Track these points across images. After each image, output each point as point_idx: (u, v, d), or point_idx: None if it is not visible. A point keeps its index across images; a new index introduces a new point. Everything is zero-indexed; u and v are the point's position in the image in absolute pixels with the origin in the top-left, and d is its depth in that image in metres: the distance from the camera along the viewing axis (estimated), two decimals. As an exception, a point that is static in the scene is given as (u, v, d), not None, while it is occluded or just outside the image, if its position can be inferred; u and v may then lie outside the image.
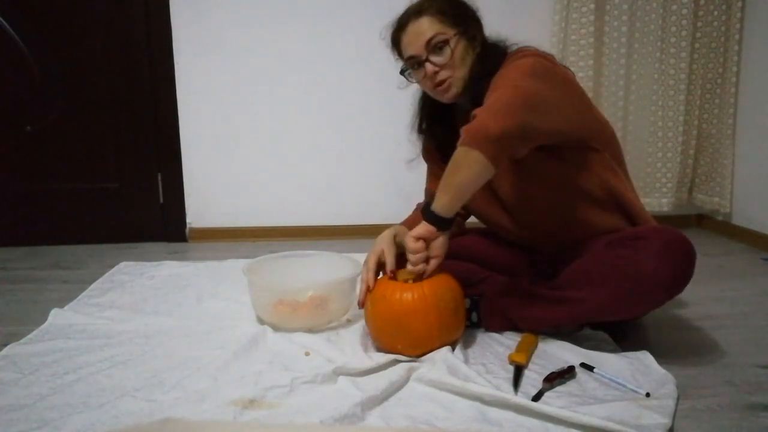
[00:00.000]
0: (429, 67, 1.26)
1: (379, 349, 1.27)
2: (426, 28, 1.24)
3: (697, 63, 2.36)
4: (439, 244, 1.19)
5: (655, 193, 2.44)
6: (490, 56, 1.26)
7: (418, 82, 1.33)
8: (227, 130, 2.39)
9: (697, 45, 2.34)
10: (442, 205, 1.15)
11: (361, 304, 1.29)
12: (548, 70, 1.20)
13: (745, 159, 2.33)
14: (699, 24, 2.33)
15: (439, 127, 1.41)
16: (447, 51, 1.24)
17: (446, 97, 1.29)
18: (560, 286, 1.26)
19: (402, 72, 1.33)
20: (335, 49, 2.35)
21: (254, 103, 2.37)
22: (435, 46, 1.24)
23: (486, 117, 1.07)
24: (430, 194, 1.53)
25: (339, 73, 2.36)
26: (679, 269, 1.16)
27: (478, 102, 1.17)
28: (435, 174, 1.50)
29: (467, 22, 1.27)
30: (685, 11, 2.28)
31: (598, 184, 1.28)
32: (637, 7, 2.30)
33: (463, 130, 1.10)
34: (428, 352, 1.20)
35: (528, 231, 1.37)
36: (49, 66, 2.27)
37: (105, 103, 2.32)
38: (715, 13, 2.31)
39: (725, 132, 2.36)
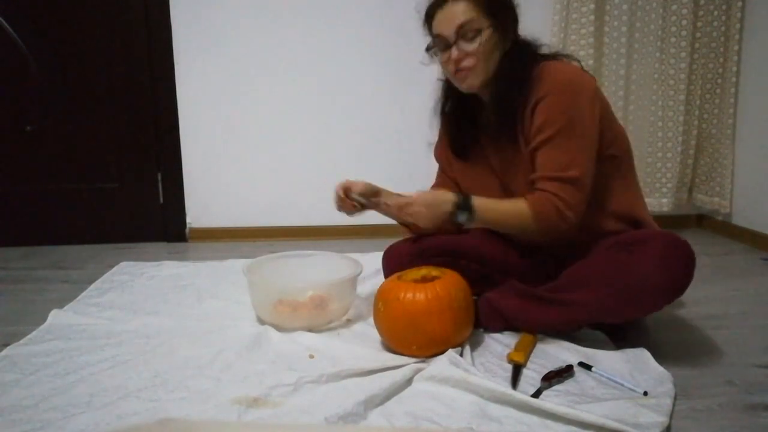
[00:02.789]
0: (455, 51, 1.25)
1: (390, 350, 1.27)
2: (461, 12, 1.23)
3: (697, 63, 2.36)
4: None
5: (655, 193, 2.44)
6: (519, 58, 1.26)
7: (440, 62, 1.32)
8: (227, 130, 2.39)
9: (697, 45, 2.34)
10: (474, 217, 1.24)
11: (338, 207, 1.43)
12: (592, 107, 1.23)
13: (745, 159, 2.33)
14: (699, 24, 2.33)
15: (462, 117, 1.41)
16: (477, 41, 1.23)
17: (464, 86, 1.30)
18: (559, 289, 1.26)
19: (427, 49, 1.31)
20: (336, 49, 2.35)
21: (254, 103, 2.37)
22: (466, 33, 1.23)
23: (561, 217, 1.20)
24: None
25: (340, 73, 2.36)
26: (678, 274, 1.16)
27: (503, 106, 1.27)
28: (442, 177, 1.52)
29: (505, 16, 1.26)
30: (685, 11, 2.28)
31: (608, 192, 1.28)
32: (637, 7, 2.30)
33: (539, 205, 1.21)
34: (441, 353, 1.20)
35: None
36: (49, 66, 2.27)
37: (105, 104, 2.32)
38: (715, 13, 2.31)
39: (725, 132, 2.36)
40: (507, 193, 1.37)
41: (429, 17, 1.29)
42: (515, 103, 1.26)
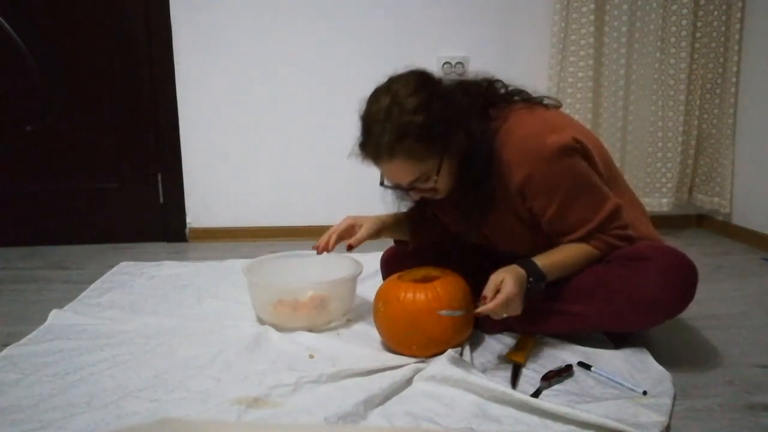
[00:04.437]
0: (413, 194, 1.22)
1: (390, 350, 1.27)
2: (403, 172, 1.14)
3: (697, 63, 2.36)
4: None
5: (655, 193, 2.44)
6: (476, 158, 1.16)
7: None
8: (227, 130, 2.39)
9: (697, 45, 2.34)
10: (546, 280, 1.19)
11: (319, 250, 1.36)
12: (578, 150, 1.17)
13: (745, 159, 2.33)
14: (699, 24, 2.33)
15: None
16: (431, 181, 1.16)
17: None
18: (560, 299, 1.25)
19: (381, 184, 1.23)
20: (335, 49, 2.35)
21: (254, 103, 2.37)
22: (416, 184, 1.17)
23: (629, 240, 1.22)
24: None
25: (339, 72, 2.36)
26: (680, 293, 1.17)
27: (473, 213, 1.23)
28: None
29: (446, 142, 1.13)
30: (685, 11, 2.28)
31: None
32: (637, 7, 2.30)
33: (605, 245, 1.21)
34: (440, 353, 1.20)
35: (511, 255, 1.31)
36: (49, 66, 2.27)
37: (105, 103, 2.32)
38: (715, 13, 2.31)
39: (725, 132, 2.36)
40: (487, 240, 1.33)
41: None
42: (485, 207, 1.23)
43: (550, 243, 1.25)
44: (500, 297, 1.11)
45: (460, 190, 1.21)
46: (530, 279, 1.16)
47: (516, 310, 1.15)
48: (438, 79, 1.19)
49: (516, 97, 1.26)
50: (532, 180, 1.15)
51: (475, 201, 1.22)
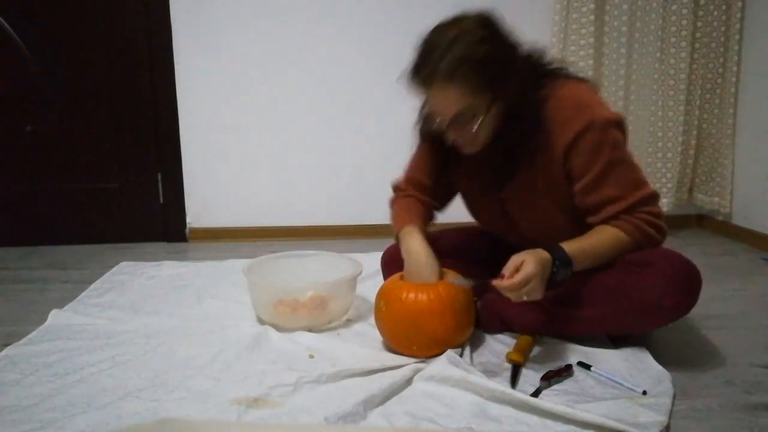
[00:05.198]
0: (451, 133, 1.19)
1: (390, 350, 1.27)
2: (454, 100, 1.12)
3: (697, 63, 2.36)
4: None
5: (655, 193, 2.44)
6: (525, 115, 1.16)
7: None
8: (227, 130, 2.39)
9: (697, 45, 2.34)
10: (574, 268, 1.15)
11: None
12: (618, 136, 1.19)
13: (745, 159, 2.33)
14: (699, 24, 2.33)
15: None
16: (472, 124, 1.15)
17: (465, 153, 1.24)
18: (563, 302, 1.26)
19: (417, 123, 1.26)
20: (335, 49, 2.35)
21: (254, 103, 2.37)
22: (460, 119, 1.15)
23: (661, 232, 1.21)
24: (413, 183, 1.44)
25: (339, 72, 2.36)
26: (683, 297, 1.17)
27: (508, 166, 1.22)
28: (422, 162, 1.43)
29: (503, 78, 1.13)
30: (685, 11, 2.28)
31: None
32: (637, 7, 2.30)
33: (638, 231, 1.18)
34: (441, 353, 1.20)
35: (528, 243, 1.28)
36: (49, 66, 2.27)
37: (105, 103, 2.32)
38: (715, 13, 2.31)
39: (725, 132, 2.36)
40: (506, 217, 1.33)
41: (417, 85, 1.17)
42: (519, 163, 1.21)
43: (570, 223, 1.24)
44: (519, 275, 1.07)
45: (496, 144, 1.20)
46: (556, 263, 1.12)
47: (536, 294, 1.10)
48: (507, 28, 1.20)
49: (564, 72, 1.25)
50: (583, 139, 1.15)
51: (509, 158, 1.21)
